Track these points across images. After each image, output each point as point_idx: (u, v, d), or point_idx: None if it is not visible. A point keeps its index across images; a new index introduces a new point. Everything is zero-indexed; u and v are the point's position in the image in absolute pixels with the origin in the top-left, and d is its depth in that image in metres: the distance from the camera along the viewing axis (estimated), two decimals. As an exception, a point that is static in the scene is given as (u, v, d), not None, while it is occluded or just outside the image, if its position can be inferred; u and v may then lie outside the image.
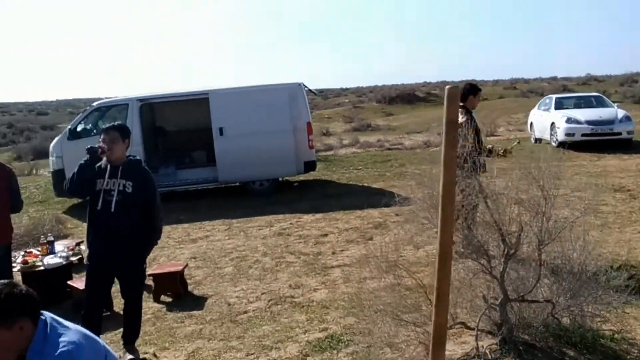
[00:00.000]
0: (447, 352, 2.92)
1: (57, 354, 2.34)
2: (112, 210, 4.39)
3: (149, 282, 6.04)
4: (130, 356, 4.54)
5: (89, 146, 4.41)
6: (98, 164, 4.48)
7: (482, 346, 3.70)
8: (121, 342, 4.70)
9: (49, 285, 6.10)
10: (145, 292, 6.12)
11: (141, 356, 4.60)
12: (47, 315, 2.52)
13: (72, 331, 2.49)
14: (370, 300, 5.05)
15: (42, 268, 6.00)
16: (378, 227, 8.21)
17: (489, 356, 3.57)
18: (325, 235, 8.08)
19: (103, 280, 4.58)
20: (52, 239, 6.46)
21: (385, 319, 4.32)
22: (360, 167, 14.14)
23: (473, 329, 3.75)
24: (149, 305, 5.83)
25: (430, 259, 5.35)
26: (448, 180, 1.90)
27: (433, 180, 3.70)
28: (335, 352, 4.40)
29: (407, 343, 3.88)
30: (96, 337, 2.61)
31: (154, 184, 4.61)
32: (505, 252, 3.63)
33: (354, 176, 13.15)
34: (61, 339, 2.41)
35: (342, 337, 4.64)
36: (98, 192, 4.42)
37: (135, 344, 4.71)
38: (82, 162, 4.38)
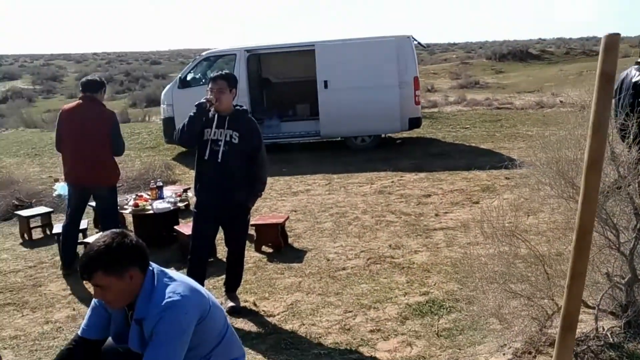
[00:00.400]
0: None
1: (163, 303, 2.35)
2: (219, 160, 4.40)
3: (251, 232, 6.11)
4: (232, 303, 4.61)
5: (197, 102, 4.41)
6: (215, 101, 4.48)
7: (603, 327, 3.38)
8: (223, 289, 4.78)
9: (157, 229, 6.34)
10: (247, 242, 6.22)
11: (241, 304, 4.66)
12: (155, 266, 2.53)
13: (178, 282, 2.49)
14: (476, 267, 4.82)
15: (151, 212, 6.22)
16: (485, 190, 7.83)
17: (611, 339, 3.26)
18: (428, 195, 7.82)
19: (209, 228, 4.65)
20: (161, 184, 6.67)
21: (493, 289, 4.08)
22: (467, 126, 13.57)
23: (592, 308, 3.43)
24: (250, 254, 5.91)
25: (540, 228, 4.99)
26: (597, 146, 1.62)
27: (558, 143, 3.36)
28: (436, 317, 4.23)
29: (515, 316, 3.64)
30: (201, 289, 2.60)
31: (259, 135, 4.56)
32: (638, 226, 3.25)
33: (460, 135, 12.64)
34: (168, 289, 2.42)
35: (443, 303, 4.46)
36: (205, 142, 4.43)
37: (237, 292, 4.78)
38: (191, 114, 4.40)
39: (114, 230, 2.46)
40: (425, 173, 9.18)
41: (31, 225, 6.89)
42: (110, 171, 5.60)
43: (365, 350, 3.83)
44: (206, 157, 4.44)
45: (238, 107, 4.57)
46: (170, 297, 2.38)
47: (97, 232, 6.34)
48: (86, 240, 5.84)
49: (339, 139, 11.95)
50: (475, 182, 8.36)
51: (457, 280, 4.85)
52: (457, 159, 10.15)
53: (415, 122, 11.44)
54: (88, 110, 5.49)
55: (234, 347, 2.73)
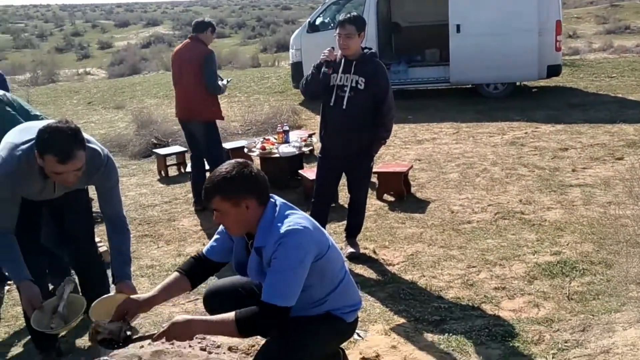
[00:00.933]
0: None
1: (282, 231, 2.37)
2: (344, 106, 4.33)
3: (374, 179, 6.05)
4: (351, 249, 4.62)
5: (316, 63, 4.34)
6: (333, 59, 4.42)
7: None
8: (343, 235, 4.80)
9: (282, 172, 6.46)
10: (369, 189, 6.18)
11: (361, 251, 4.66)
12: (278, 199, 2.55)
13: (300, 216, 2.49)
14: (617, 229, 4.43)
15: (277, 155, 6.34)
16: (632, 146, 7.14)
17: None
18: (565, 149, 7.28)
19: (332, 174, 4.65)
20: (287, 128, 6.75)
21: (636, 253, 3.73)
22: (613, 75, 12.39)
23: None
24: (372, 202, 5.87)
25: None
26: None
27: None
28: (567, 279, 3.95)
29: (660, 285, 3.30)
30: (322, 228, 2.59)
31: (387, 80, 4.42)
32: None
33: (605, 85, 11.58)
34: (289, 219, 2.43)
35: (577, 265, 4.15)
36: (331, 87, 4.37)
37: (357, 239, 4.77)
38: (313, 70, 4.35)
39: (238, 160, 2.50)
40: (562, 125, 8.54)
41: (167, 163, 7.31)
42: (203, 108, 5.71)
43: (488, 308, 3.68)
44: (331, 104, 4.39)
45: (366, 51, 4.43)
46: (290, 226, 2.39)
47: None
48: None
49: (470, 86, 11.43)
50: (619, 136, 7.65)
51: (594, 242, 4.49)
52: (600, 111, 9.33)
53: (554, 70, 10.62)
54: (189, 50, 5.71)
55: (351, 294, 2.70)
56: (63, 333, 2.71)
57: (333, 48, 4.32)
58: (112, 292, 2.94)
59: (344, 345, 3.07)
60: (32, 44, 26.89)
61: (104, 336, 2.41)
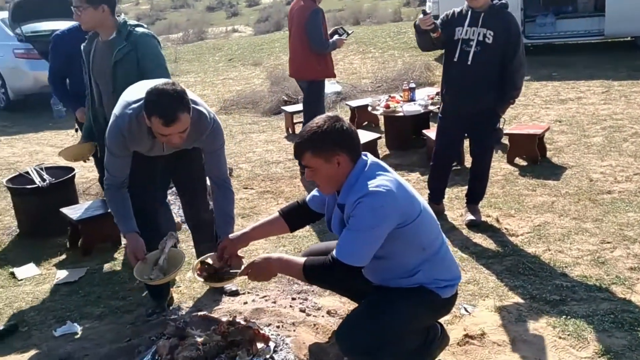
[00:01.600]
0: None
1: (363, 193, 2.25)
2: (469, 62, 4.03)
3: (505, 141, 5.66)
4: (472, 217, 4.35)
5: (416, 22, 4.05)
6: (459, 9, 4.11)
7: None
8: (464, 200, 4.54)
9: (405, 132, 6.25)
10: (500, 152, 5.79)
11: (483, 219, 4.38)
12: (370, 157, 2.43)
13: (389, 178, 2.34)
14: None
15: (400, 114, 6.13)
16: None
17: None
18: None
19: (453, 135, 4.40)
20: (413, 85, 6.48)
21: None
22: None
23: None
24: (501, 166, 5.50)
25: None
26: None
27: None
28: None
29: None
30: (414, 195, 2.41)
31: (518, 35, 4.03)
32: None
33: None
34: (375, 180, 2.31)
35: None
36: (455, 42, 4.07)
37: (479, 205, 4.49)
38: (416, 22, 4.06)
39: (329, 114, 2.41)
40: None
41: (295, 121, 7.37)
42: (308, 66, 5.63)
43: (618, 290, 3.29)
44: (455, 59, 4.10)
45: (496, 2, 4.05)
46: (374, 187, 2.27)
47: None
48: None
49: (628, 39, 10.24)
50: None
51: None
52: None
53: None
54: (298, 7, 5.65)
55: (447, 266, 2.52)
56: (162, 282, 2.83)
57: (425, 12, 3.98)
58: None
59: (446, 319, 2.91)
60: (187, 3, 28.34)
61: (209, 271, 2.66)
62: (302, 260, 2.41)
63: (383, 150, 6.29)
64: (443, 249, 2.49)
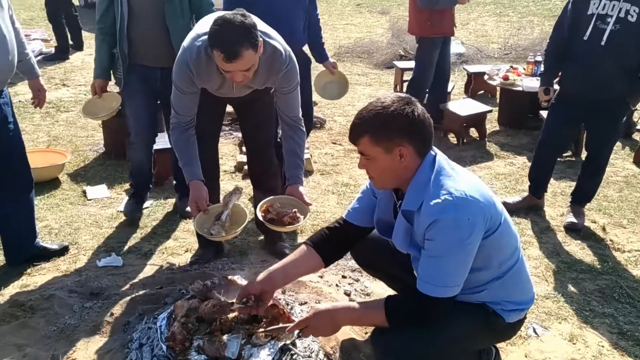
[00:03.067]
0: None
1: (441, 199, 1.83)
2: (602, 42, 3.39)
3: (637, 137, 4.89)
4: (572, 219, 3.77)
5: None
6: None
7: None
8: (569, 199, 3.95)
9: (521, 109, 5.60)
10: (627, 148, 5.04)
11: (585, 224, 3.78)
12: (439, 153, 1.98)
13: (463, 179, 1.90)
14: None
15: (519, 88, 5.47)
16: None
17: None
18: None
19: (567, 123, 3.80)
20: (540, 59, 5.75)
21: None
22: None
23: None
24: (624, 165, 4.78)
25: None
26: None
27: None
28: None
29: None
30: (492, 197, 1.95)
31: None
32: None
33: None
34: (449, 183, 1.87)
35: None
36: (589, 17, 3.43)
37: (585, 207, 3.89)
38: None
39: (400, 94, 1.96)
40: None
41: (404, 78, 6.88)
42: (416, 20, 5.25)
43: None
44: (586, 37, 3.46)
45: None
46: (447, 194, 1.84)
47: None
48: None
49: None
50: None
51: None
52: None
53: None
54: None
55: (520, 288, 2.08)
56: (220, 240, 2.63)
57: (547, 91, 3.85)
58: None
59: (506, 343, 2.47)
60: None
61: (272, 216, 2.57)
62: (379, 305, 1.97)
63: (492, 125, 5.70)
64: (518, 266, 2.04)
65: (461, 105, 5.41)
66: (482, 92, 6.64)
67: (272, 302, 2.27)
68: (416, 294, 1.90)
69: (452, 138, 5.39)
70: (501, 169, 4.75)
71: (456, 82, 6.84)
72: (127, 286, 2.91)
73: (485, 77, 5.98)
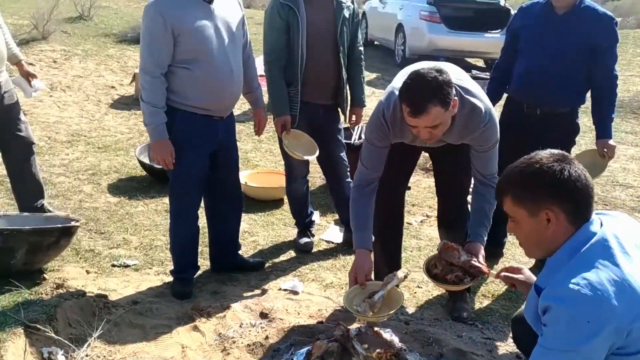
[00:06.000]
0: None
1: (563, 287, 1.52)
2: None
3: None
4: None
5: None
6: None
7: None
8: None
9: None
10: None
11: None
12: (607, 225, 1.64)
13: (610, 271, 1.53)
14: None
15: None
16: None
17: None
18: None
19: None
20: None
21: None
22: None
23: None
24: None
25: None
26: None
27: None
28: None
29: None
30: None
31: None
32: None
33: None
34: (593, 270, 1.53)
35: None
36: None
37: None
38: None
39: (555, 151, 1.68)
40: None
41: None
42: None
43: None
44: None
45: None
46: (578, 283, 1.50)
47: None
48: None
49: None
50: None
51: None
52: None
53: None
54: None
55: None
56: (366, 320, 2.52)
57: None
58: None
59: None
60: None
61: (437, 271, 2.49)
62: None
63: None
64: None
65: None
66: None
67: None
68: None
69: None
70: None
71: None
72: (295, 313, 2.97)
73: None
